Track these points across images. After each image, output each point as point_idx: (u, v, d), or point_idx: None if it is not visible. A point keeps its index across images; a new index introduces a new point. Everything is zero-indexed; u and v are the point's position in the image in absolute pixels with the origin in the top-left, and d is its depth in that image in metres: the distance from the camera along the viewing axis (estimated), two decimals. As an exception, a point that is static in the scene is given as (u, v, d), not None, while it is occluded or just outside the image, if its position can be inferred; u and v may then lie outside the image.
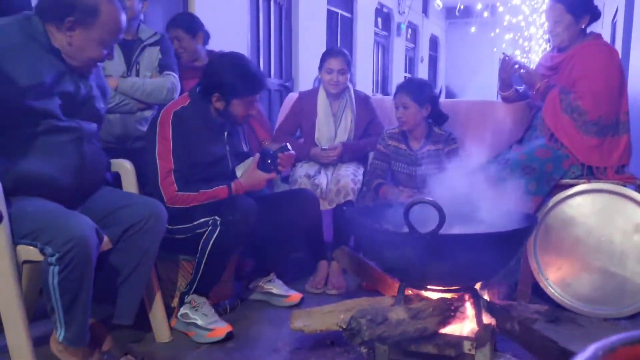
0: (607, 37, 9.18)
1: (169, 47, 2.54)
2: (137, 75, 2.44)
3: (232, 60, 2.15)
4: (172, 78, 2.46)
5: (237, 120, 2.17)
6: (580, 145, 2.27)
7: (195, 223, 2.04)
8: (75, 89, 1.64)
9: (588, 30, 2.41)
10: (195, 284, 2.05)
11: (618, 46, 7.12)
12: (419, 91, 2.49)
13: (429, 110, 2.51)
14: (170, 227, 1.92)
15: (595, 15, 2.37)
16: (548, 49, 2.52)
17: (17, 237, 1.49)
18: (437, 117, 2.58)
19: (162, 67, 2.47)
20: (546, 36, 2.53)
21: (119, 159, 1.95)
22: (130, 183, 1.93)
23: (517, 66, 2.43)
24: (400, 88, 2.54)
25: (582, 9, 2.35)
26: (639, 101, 4.64)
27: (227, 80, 2.07)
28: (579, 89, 2.28)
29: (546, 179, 2.27)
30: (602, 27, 10.84)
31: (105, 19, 1.58)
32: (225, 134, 2.21)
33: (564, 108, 2.29)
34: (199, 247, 2.02)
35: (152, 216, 1.71)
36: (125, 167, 1.94)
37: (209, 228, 2.01)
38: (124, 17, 1.64)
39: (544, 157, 2.29)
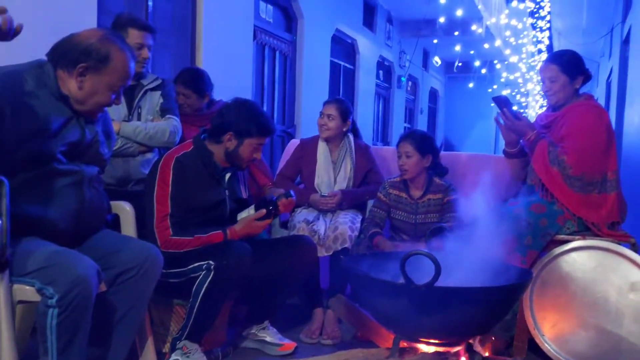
0: (602, 96, 9.42)
1: (170, 92, 2.59)
2: (139, 118, 2.47)
3: (248, 103, 2.25)
4: (174, 121, 2.50)
5: (242, 163, 2.21)
6: (569, 197, 2.30)
7: (190, 267, 2.03)
8: (81, 134, 1.67)
9: (581, 90, 2.49)
10: (188, 329, 2.03)
11: (613, 104, 7.30)
12: (422, 141, 2.56)
13: (430, 161, 2.57)
14: (164, 270, 1.92)
15: (587, 76, 2.46)
16: (545, 103, 2.60)
17: (15, 276, 1.49)
18: (438, 169, 2.63)
19: (164, 111, 2.51)
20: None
21: (119, 200, 1.97)
22: (129, 225, 1.94)
23: (507, 115, 2.47)
24: (404, 137, 2.60)
25: (576, 70, 2.43)
26: (632, 157, 4.73)
27: (242, 119, 2.15)
28: (566, 145, 2.34)
29: (541, 234, 2.29)
30: (597, 86, 11.13)
31: (116, 66, 1.64)
32: (227, 178, 2.24)
33: (552, 160, 2.34)
34: (192, 292, 2.01)
35: (148, 261, 1.71)
36: (124, 210, 1.96)
37: (203, 272, 2.00)
38: (133, 64, 1.70)
39: (539, 212, 2.32)
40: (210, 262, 1.99)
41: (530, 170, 2.48)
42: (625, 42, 6.11)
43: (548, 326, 2.22)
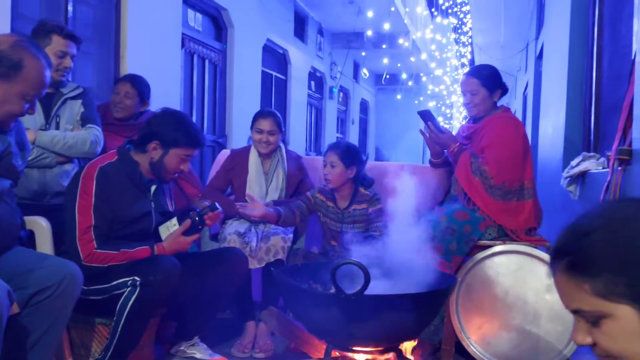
0: (519, 108, 10.01)
1: (91, 101, 2.50)
2: (57, 128, 2.36)
3: (177, 113, 2.21)
4: (96, 131, 2.40)
5: (167, 175, 2.14)
6: (490, 205, 2.42)
7: (113, 284, 1.94)
8: None
9: (499, 102, 2.63)
10: (112, 349, 1.93)
11: (529, 115, 7.78)
12: (347, 152, 2.58)
13: (355, 172, 2.60)
14: (85, 287, 1.81)
15: (505, 90, 2.61)
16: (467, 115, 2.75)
17: None
18: (363, 180, 2.67)
19: (85, 120, 2.42)
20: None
21: (34, 216, 1.85)
22: (44, 242, 1.83)
23: (431, 128, 2.57)
24: (330, 147, 2.63)
25: (495, 84, 2.57)
26: (546, 166, 5.05)
27: (169, 129, 2.08)
28: (486, 156, 2.46)
29: (465, 240, 2.38)
30: (515, 99, 11.83)
31: (29, 73, 1.55)
32: (152, 190, 2.16)
33: (474, 170, 2.45)
34: (117, 310, 1.92)
35: (66, 279, 1.62)
36: (40, 225, 1.84)
37: (128, 289, 1.92)
38: (48, 73, 1.62)
39: (463, 220, 2.42)
40: (136, 278, 1.91)
41: (454, 180, 2.58)
42: (539, 57, 6.53)
43: (473, 329, 2.31)
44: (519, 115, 9.45)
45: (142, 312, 1.94)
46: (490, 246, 2.36)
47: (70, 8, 3.92)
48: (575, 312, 0.85)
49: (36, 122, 2.30)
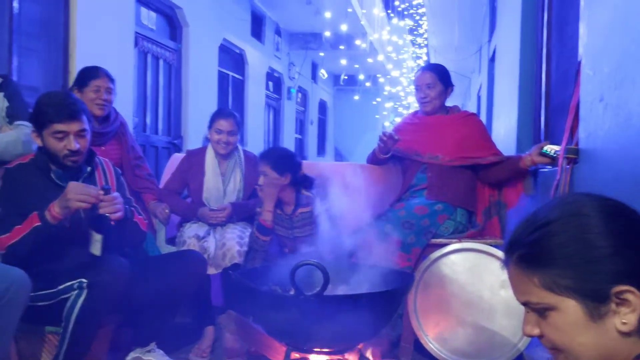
0: (474, 108, 10.27)
1: (16, 91, 2.26)
2: None
3: (43, 94, 2.00)
4: (26, 129, 2.16)
5: (64, 160, 1.95)
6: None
7: (60, 288, 1.84)
8: None
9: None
10: (61, 357, 1.85)
11: (483, 116, 7.98)
12: (279, 160, 2.53)
13: (289, 178, 2.55)
14: (31, 293, 1.72)
15: (452, 89, 2.75)
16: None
17: None
18: (303, 182, 2.64)
19: (12, 117, 2.21)
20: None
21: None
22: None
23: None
24: (261, 157, 2.58)
25: (449, 81, 2.72)
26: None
27: (33, 114, 1.95)
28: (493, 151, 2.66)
29: (424, 232, 2.46)
30: (469, 100, 12.13)
31: None
32: (80, 182, 1.97)
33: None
34: (64, 315, 1.83)
35: (13, 286, 1.54)
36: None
37: (75, 292, 1.83)
38: None
39: (422, 214, 2.49)
40: (82, 280, 1.83)
41: (420, 175, 2.65)
42: (492, 59, 6.72)
43: (431, 326, 2.35)
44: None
45: (91, 316, 1.86)
46: (446, 244, 2.41)
47: (15, 5, 3.76)
48: (525, 304, 0.88)
49: None
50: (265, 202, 2.55)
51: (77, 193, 1.81)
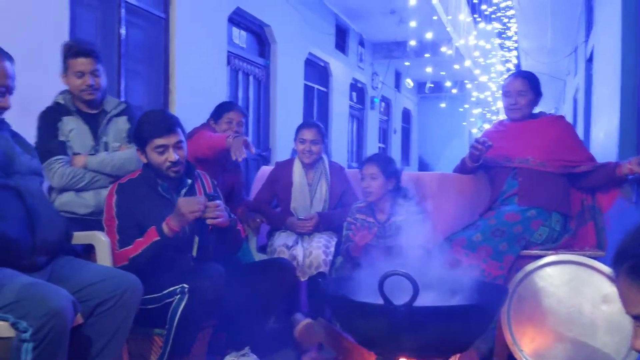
0: (569, 112, 9.70)
1: (136, 116, 2.48)
2: (107, 147, 2.39)
3: (142, 114, 2.18)
4: None
5: (168, 172, 2.10)
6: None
7: (165, 292, 1.99)
8: None
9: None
10: (165, 357, 1.99)
11: (580, 119, 7.53)
12: (387, 164, 2.56)
13: (394, 184, 2.58)
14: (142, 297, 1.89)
15: (541, 98, 2.68)
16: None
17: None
18: (400, 191, 2.64)
19: (130, 138, 2.41)
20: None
21: (93, 231, 1.94)
22: (104, 255, 1.92)
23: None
24: (369, 159, 2.61)
25: (539, 90, 2.64)
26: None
27: (136, 132, 2.12)
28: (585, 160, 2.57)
29: (517, 240, 2.38)
30: (564, 103, 11.47)
31: None
32: (183, 193, 2.17)
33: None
34: (168, 318, 1.97)
35: (128, 290, 1.69)
36: (99, 240, 1.93)
37: (177, 297, 1.97)
38: (7, 64, 1.68)
39: (513, 221, 2.42)
40: (184, 285, 1.96)
41: (511, 181, 2.58)
42: (590, 60, 6.33)
43: (526, 341, 2.25)
44: (570, 120, 9.16)
45: (192, 320, 1.99)
46: (541, 256, 2.31)
47: (122, 31, 4.11)
48: (636, 317, 0.84)
49: (85, 145, 2.35)
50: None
51: (189, 206, 1.97)
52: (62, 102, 2.37)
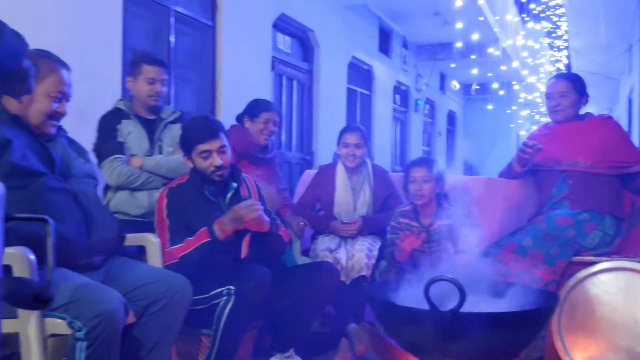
0: (623, 112, 9.32)
1: None
2: (161, 151, 2.53)
3: (187, 121, 2.29)
4: None
5: (212, 176, 2.14)
6: None
7: (212, 293, 2.04)
8: (47, 152, 1.71)
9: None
10: (212, 358, 2.04)
11: (635, 121, 7.22)
12: (435, 168, 2.54)
13: (442, 187, 2.55)
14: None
15: (587, 100, 2.61)
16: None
17: (46, 310, 1.52)
18: (442, 195, 2.59)
19: None
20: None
21: (145, 233, 2.01)
22: (155, 257, 1.98)
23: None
24: (420, 162, 2.59)
25: (584, 91, 2.58)
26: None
27: (182, 138, 2.19)
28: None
29: (569, 244, 2.32)
30: (618, 103, 11.01)
31: (44, 74, 1.67)
32: (229, 197, 2.21)
33: None
34: (214, 319, 2.02)
35: (178, 292, 1.74)
36: (150, 241, 1.99)
37: (224, 298, 2.00)
38: (64, 72, 1.74)
39: (565, 225, 2.36)
40: (231, 287, 2.00)
41: (561, 184, 2.52)
42: (645, 58, 6.07)
43: (578, 350, 2.18)
44: (624, 121, 8.79)
45: (238, 321, 2.02)
46: (593, 262, 2.22)
47: (172, 39, 4.24)
48: None
49: (142, 148, 2.50)
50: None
51: (249, 212, 2.04)
52: (122, 107, 2.53)
